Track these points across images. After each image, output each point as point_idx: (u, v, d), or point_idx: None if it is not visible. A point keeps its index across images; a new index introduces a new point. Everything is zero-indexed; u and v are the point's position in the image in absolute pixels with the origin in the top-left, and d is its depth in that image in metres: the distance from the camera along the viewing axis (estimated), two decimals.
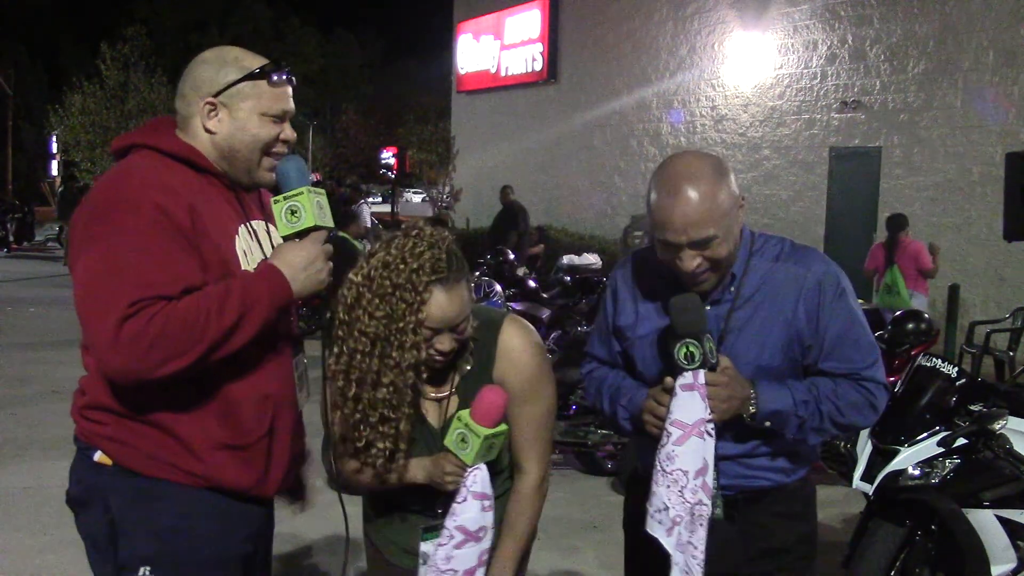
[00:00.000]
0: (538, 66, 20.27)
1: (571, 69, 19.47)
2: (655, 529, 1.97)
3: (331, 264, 1.96)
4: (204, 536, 1.92)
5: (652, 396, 2.02)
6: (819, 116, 13.44)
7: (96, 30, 36.81)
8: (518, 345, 2.03)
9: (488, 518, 1.95)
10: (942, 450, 3.30)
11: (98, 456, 1.90)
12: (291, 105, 2.01)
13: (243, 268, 1.93)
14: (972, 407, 3.41)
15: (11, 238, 20.93)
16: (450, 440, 1.94)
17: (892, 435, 3.38)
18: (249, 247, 1.98)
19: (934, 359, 3.57)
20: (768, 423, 1.99)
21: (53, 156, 32.67)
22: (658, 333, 2.09)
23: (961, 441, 3.28)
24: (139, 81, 27.48)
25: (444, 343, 1.91)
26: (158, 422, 1.86)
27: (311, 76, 49.39)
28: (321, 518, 4.82)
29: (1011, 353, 7.97)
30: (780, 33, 14.01)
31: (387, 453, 1.95)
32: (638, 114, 17.29)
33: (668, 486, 1.94)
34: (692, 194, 1.91)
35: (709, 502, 1.94)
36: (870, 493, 3.35)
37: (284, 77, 1.98)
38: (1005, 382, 7.07)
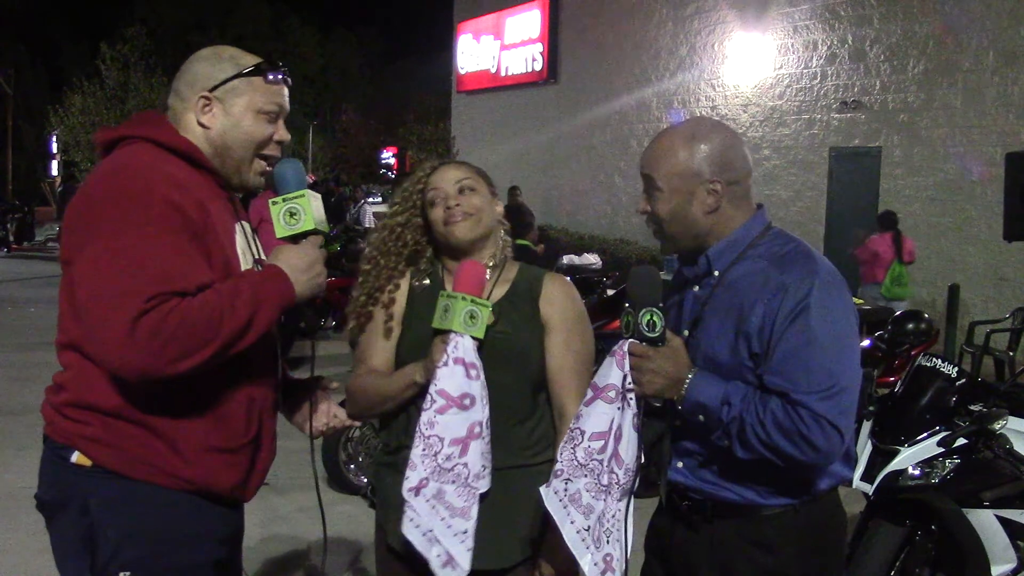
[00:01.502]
0: (538, 66, 20.27)
1: (571, 69, 19.47)
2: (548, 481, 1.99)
3: (326, 268, 1.97)
4: (184, 541, 1.89)
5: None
6: (819, 116, 13.44)
7: (96, 30, 36.82)
8: (561, 288, 2.22)
9: (475, 387, 1.97)
10: (942, 450, 3.29)
11: (76, 457, 1.85)
12: (286, 105, 2.02)
13: (243, 267, 1.93)
14: (972, 407, 3.41)
15: (11, 238, 20.91)
16: (436, 319, 2.01)
17: (892, 435, 3.37)
18: (246, 246, 1.97)
19: (934, 359, 3.57)
20: (701, 417, 1.89)
21: (53, 156, 32.64)
22: None
23: (961, 441, 3.28)
24: (139, 81, 27.48)
25: (452, 198, 2.13)
26: (147, 423, 1.83)
27: (311, 76, 49.39)
28: (320, 520, 4.83)
29: (1011, 353, 7.95)
30: (780, 33, 14.02)
31: (374, 304, 2.20)
32: (638, 114, 17.30)
33: (565, 442, 1.95)
34: (662, 140, 2.02)
35: (620, 472, 1.91)
36: (870, 493, 3.35)
37: (280, 76, 1.99)
38: (1005, 382, 7.07)
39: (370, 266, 2.24)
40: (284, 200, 1.94)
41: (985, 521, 3.24)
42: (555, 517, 1.95)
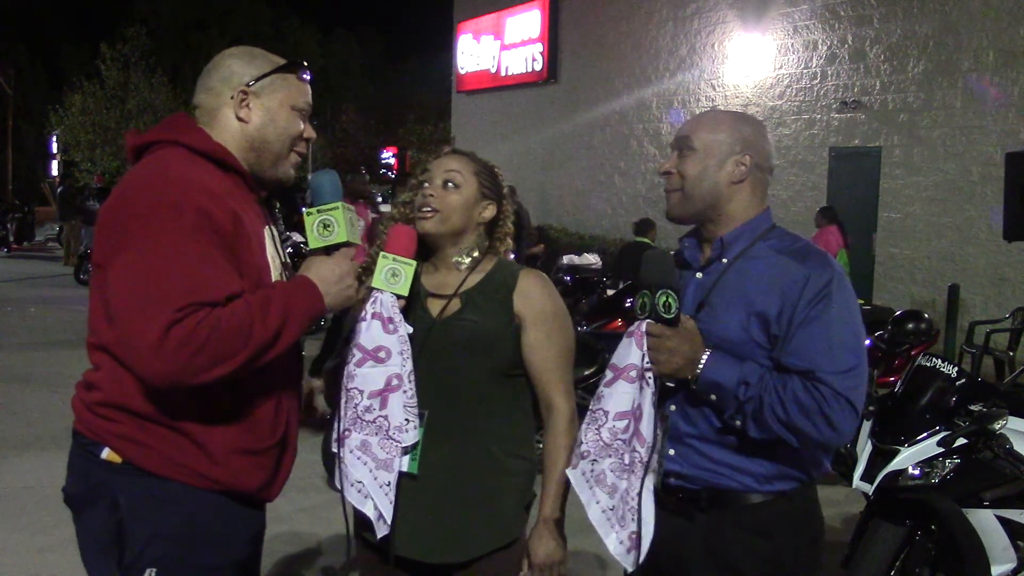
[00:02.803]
0: (538, 66, 20.27)
1: (571, 69, 19.47)
2: (571, 463, 2.05)
3: (357, 281, 2.01)
4: (211, 541, 1.91)
5: None
6: (819, 116, 13.44)
7: (96, 30, 36.79)
8: (536, 283, 2.22)
9: (392, 341, 2.05)
10: (942, 450, 3.29)
11: (106, 453, 1.87)
12: (311, 103, 2.07)
13: (272, 275, 1.95)
14: (972, 407, 3.41)
15: (11, 238, 20.93)
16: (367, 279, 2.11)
17: (892, 435, 3.37)
18: (275, 252, 2.00)
19: (934, 359, 3.57)
20: (713, 396, 1.97)
21: (53, 156, 32.66)
22: None
23: (961, 441, 3.27)
24: (139, 81, 27.53)
25: (435, 185, 2.18)
26: (177, 425, 1.85)
27: (311, 76, 49.33)
28: (321, 518, 4.83)
29: (1011, 353, 7.97)
30: (780, 33, 14.02)
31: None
32: (638, 114, 17.29)
33: (588, 423, 2.01)
34: (709, 112, 2.22)
35: (643, 451, 1.96)
36: (870, 493, 3.35)
37: (309, 76, 2.05)
38: (1005, 382, 7.07)
39: (376, 252, 2.32)
40: (319, 211, 1.97)
41: (985, 521, 3.25)
42: (581, 498, 2.01)
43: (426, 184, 2.21)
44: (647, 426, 1.96)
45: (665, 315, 1.94)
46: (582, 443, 2.02)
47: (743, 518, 2.03)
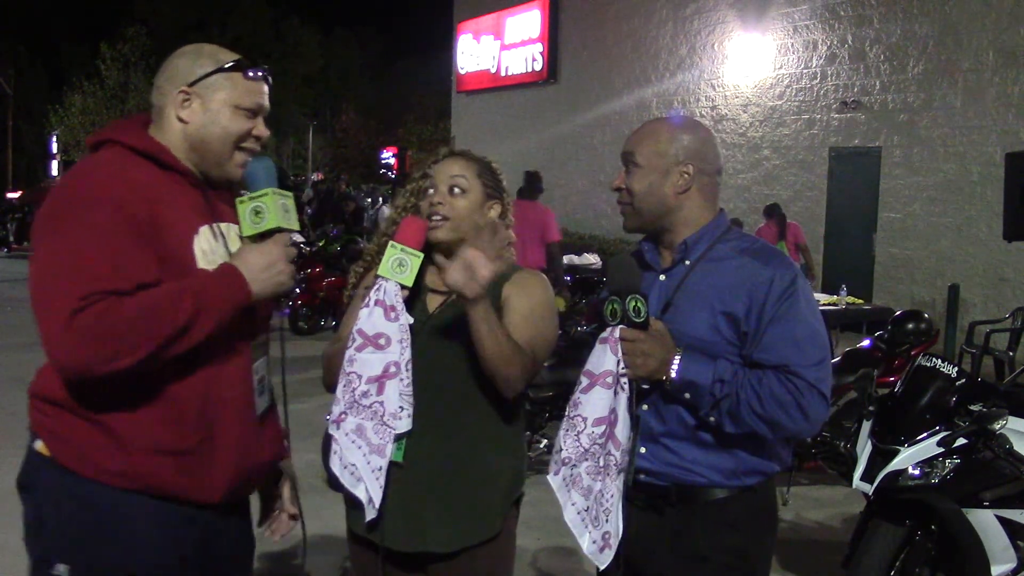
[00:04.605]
0: (538, 66, 20.28)
1: (571, 69, 19.47)
2: (550, 470, 2.09)
3: (292, 266, 1.95)
4: (129, 542, 1.86)
5: None
6: (819, 116, 13.44)
7: (96, 30, 36.80)
8: (533, 277, 2.28)
9: (393, 329, 2.07)
10: (942, 450, 3.29)
11: (38, 445, 1.90)
12: (266, 102, 2.02)
13: (201, 268, 1.89)
14: (972, 407, 3.40)
15: (11, 238, 20.92)
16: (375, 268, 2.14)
17: (892, 435, 3.37)
18: (211, 248, 1.93)
19: (934, 359, 3.56)
20: (687, 395, 2.02)
21: (53, 156, 32.66)
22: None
23: (961, 441, 3.27)
24: (139, 81, 27.56)
25: (441, 192, 2.20)
26: (97, 418, 1.83)
27: (311, 76, 49.38)
28: (319, 518, 4.82)
29: (1011, 353, 7.96)
30: (780, 33, 14.02)
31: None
32: (638, 114, 17.29)
33: (567, 430, 2.04)
34: (648, 125, 2.21)
35: (617, 454, 2.01)
36: (870, 493, 3.35)
37: (260, 73, 2.00)
38: (1004, 382, 7.06)
39: (374, 248, 2.33)
40: (251, 199, 1.94)
41: (985, 521, 3.24)
42: (560, 501, 2.05)
43: (431, 191, 2.22)
44: (621, 430, 2.01)
45: (635, 319, 1.99)
46: (562, 450, 2.05)
47: (710, 512, 2.09)
